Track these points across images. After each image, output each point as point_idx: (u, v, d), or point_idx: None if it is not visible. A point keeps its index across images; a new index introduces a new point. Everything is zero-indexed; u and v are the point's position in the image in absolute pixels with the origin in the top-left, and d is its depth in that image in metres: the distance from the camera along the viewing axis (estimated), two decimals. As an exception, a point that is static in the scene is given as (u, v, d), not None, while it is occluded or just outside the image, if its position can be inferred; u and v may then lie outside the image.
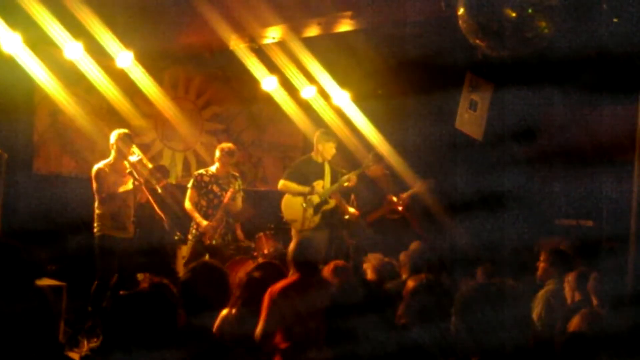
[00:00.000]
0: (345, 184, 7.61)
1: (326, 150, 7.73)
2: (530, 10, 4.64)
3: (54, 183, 8.25)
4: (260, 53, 7.99)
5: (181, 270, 7.71)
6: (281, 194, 7.94)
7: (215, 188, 7.47)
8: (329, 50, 7.77)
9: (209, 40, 7.99)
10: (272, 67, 8.18)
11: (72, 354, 6.07)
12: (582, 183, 7.86)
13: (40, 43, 7.02)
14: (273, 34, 7.56)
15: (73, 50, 7.08)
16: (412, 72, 7.89)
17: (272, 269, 4.90)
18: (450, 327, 2.72)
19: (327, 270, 4.91)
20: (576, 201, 8.11)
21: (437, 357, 2.96)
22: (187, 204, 7.45)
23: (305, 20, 7.07)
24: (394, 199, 8.16)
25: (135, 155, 6.74)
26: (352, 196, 7.94)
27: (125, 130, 6.90)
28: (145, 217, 7.19)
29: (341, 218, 7.82)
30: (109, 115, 8.26)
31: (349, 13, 6.66)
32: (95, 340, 6.31)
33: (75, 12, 6.47)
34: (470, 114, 7.67)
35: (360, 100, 8.66)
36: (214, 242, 7.33)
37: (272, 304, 4.44)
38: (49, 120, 8.47)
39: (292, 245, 4.94)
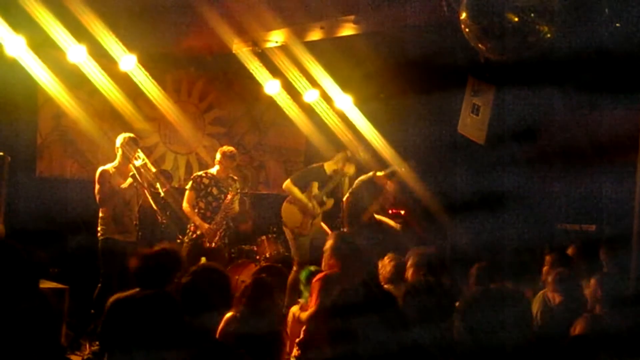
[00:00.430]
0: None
1: (346, 168, 7.85)
2: (532, 15, 4.67)
3: (56, 185, 8.26)
4: (263, 57, 8.01)
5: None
6: (283, 197, 7.97)
7: (215, 191, 7.47)
8: (332, 54, 7.78)
9: (212, 44, 8.02)
10: (275, 71, 8.21)
11: (74, 357, 6.09)
12: (583, 184, 7.86)
13: (43, 46, 7.04)
14: (276, 37, 7.58)
15: (76, 53, 7.11)
16: (413, 75, 7.89)
17: (276, 272, 4.95)
18: (451, 328, 2.73)
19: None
20: (577, 202, 8.10)
21: (437, 357, 2.96)
22: (185, 206, 7.43)
23: (308, 24, 7.07)
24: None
25: (140, 159, 6.77)
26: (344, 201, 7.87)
27: (131, 135, 6.94)
28: (148, 221, 7.21)
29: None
30: (112, 118, 8.27)
31: (351, 17, 6.67)
32: (97, 343, 6.31)
33: (79, 15, 6.48)
34: (473, 118, 7.65)
35: (362, 104, 8.68)
36: (213, 244, 7.34)
37: (324, 284, 4.68)
38: (52, 123, 8.49)
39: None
